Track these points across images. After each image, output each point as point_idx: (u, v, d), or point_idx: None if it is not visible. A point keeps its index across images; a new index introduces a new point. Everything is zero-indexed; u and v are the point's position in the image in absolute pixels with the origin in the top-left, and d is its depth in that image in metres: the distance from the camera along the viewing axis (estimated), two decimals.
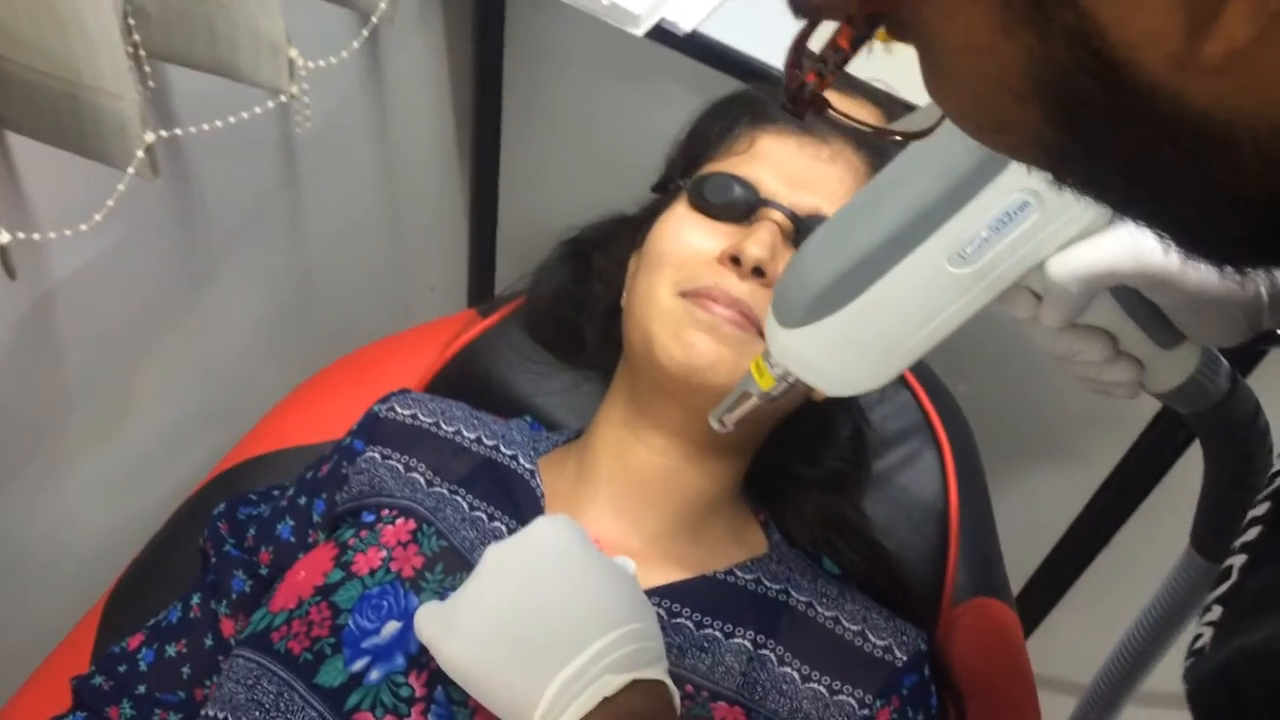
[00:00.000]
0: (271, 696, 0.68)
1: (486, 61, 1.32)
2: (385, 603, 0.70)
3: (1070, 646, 1.31)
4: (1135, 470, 1.17)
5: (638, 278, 0.80)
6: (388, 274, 1.39)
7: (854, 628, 0.76)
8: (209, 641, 0.78)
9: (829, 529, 0.85)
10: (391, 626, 0.69)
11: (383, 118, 1.24)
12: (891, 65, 0.48)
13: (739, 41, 1.08)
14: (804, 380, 0.60)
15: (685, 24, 1.10)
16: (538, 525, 0.66)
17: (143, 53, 0.84)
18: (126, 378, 1.01)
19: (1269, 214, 0.29)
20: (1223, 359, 0.62)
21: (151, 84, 0.87)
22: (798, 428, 0.84)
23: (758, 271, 0.74)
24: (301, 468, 0.87)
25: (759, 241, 0.73)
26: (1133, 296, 0.56)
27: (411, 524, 0.75)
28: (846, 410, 0.91)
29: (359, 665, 0.68)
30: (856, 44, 0.32)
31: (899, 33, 0.32)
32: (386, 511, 0.77)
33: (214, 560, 0.81)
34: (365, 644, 0.68)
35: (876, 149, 0.78)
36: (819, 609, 0.77)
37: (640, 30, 1.13)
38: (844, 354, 0.58)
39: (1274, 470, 0.46)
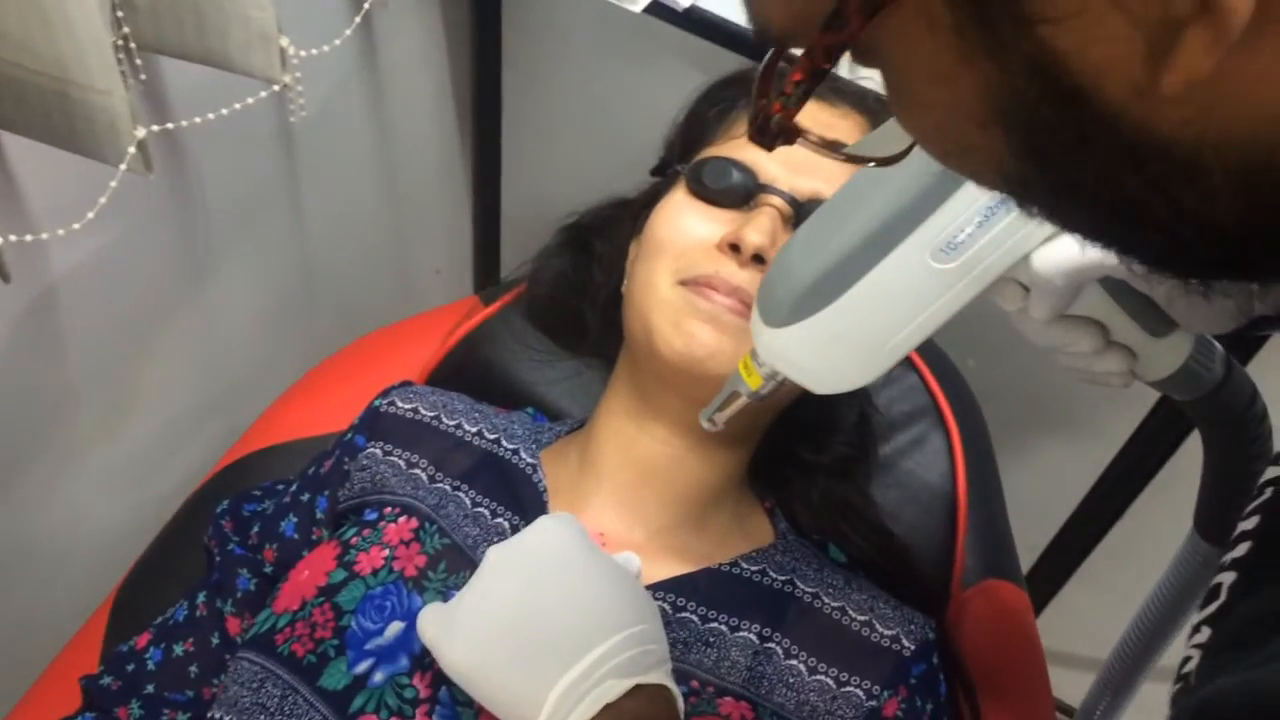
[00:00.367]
0: (276, 700, 0.68)
1: (485, 39, 1.30)
2: (389, 603, 0.70)
3: (1083, 621, 1.31)
4: (1149, 443, 1.16)
5: (637, 265, 0.79)
6: (392, 258, 1.39)
7: (861, 618, 0.75)
8: (215, 640, 0.78)
9: (836, 515, 0.84)
10: (395, 627, 0.69)
11: (381, 101, 1.22)
12: None
13: (738, 15, 1.06)
14: (791, 378, 0.60)
15: None
16: (539, 525, 0.65)
17: (133, 45, 0.83)
18: (132, 372, 1.01)
19: (1242, 237, 0.29)
20: (1217, 344, 0.61)
21: (143, 76, 0.86)
22: (803, 413, 0.83)
23: (758, 259, 0.72)
24: (306, 460, 0.86)
25: (758, 228, 0.72)
26: (1122, 286, 0.55)
27: (414, 522, 0.75)
28: (852, 395, 0.89)
29: (363, 667, 0.67)
30: (818, 76, 0.31)
31: (864, 59, 0.31)
32: (389, 509, 0.76)
33: (218, 559, 0.81)
34: (369, 645, 0.68)
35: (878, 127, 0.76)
36: (825, 599, 0.76)
37: (638, 6, 1.11)
38: (831, 352, 0.57)
39: (1264, 479, 0.45)
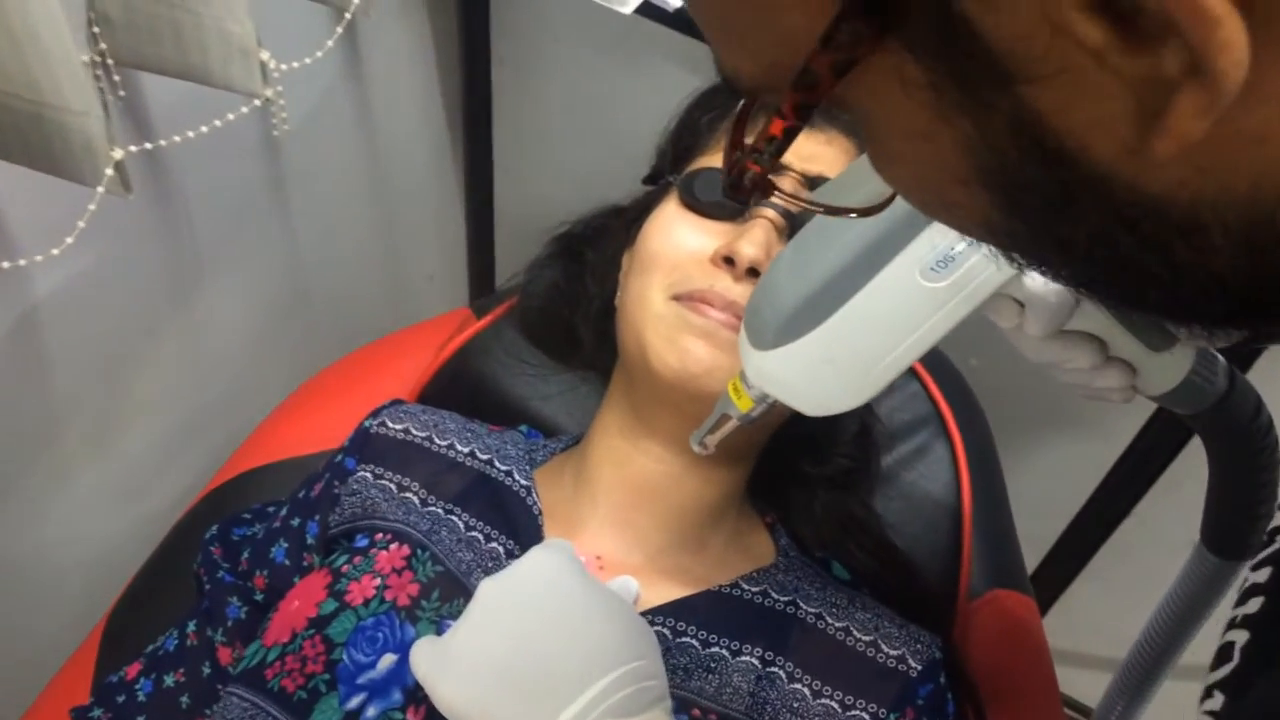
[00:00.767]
0: None
1: (474, 41, 1.28)
2: (380, 634, 0.68)
3: (1090, 619, 1.30)
4: (1154, 441, 1.15)
5: (630, 278, 0.77)
6: (385, 266, 1.37)
7: (866, 638, 0.74)
8: (207, 670, 0.77)
9: (838, 529, 0.82)
10: (388, 660, 0.67)
11: (368, 108, 1.20)
12: None
13: None
14: (782, 401, 0.58)
15: None
16: (532, 557, 0.64)
17: (110, 61, 0.81)
18: (121, 390, 0.99)
19: (1245, 293, 0.27)
20: (1220, 357, 0.60)
21: (123, 93, 0.85)
22: (803, 426, 0.81)
23: (753, 272, 0.70)
24: (297, 480, 0.85)
25: (753, 241, 0.70)
26: None
27: (405, 549, 0.73)
28: None
29: (355, 702, 0.66)
30: (791, 134, 0.30)
31: (839, 112, 0.29)
32: (380, 535, 0.74)
33: (208, 586, 0.79)
34: (361, 679, 0.67)
35: None
36: (829, 620, 0.74)
37: (628, 8, 1.09)
38: (822, 373, 0.56)
39: (1273, 526, 0.43)
